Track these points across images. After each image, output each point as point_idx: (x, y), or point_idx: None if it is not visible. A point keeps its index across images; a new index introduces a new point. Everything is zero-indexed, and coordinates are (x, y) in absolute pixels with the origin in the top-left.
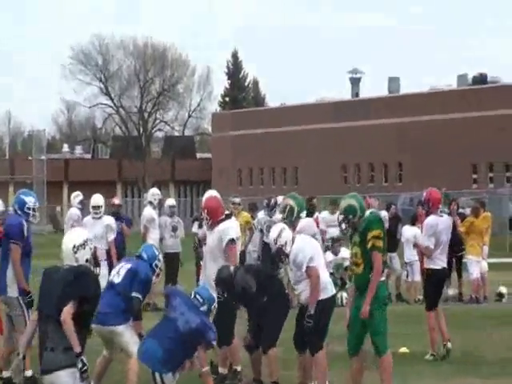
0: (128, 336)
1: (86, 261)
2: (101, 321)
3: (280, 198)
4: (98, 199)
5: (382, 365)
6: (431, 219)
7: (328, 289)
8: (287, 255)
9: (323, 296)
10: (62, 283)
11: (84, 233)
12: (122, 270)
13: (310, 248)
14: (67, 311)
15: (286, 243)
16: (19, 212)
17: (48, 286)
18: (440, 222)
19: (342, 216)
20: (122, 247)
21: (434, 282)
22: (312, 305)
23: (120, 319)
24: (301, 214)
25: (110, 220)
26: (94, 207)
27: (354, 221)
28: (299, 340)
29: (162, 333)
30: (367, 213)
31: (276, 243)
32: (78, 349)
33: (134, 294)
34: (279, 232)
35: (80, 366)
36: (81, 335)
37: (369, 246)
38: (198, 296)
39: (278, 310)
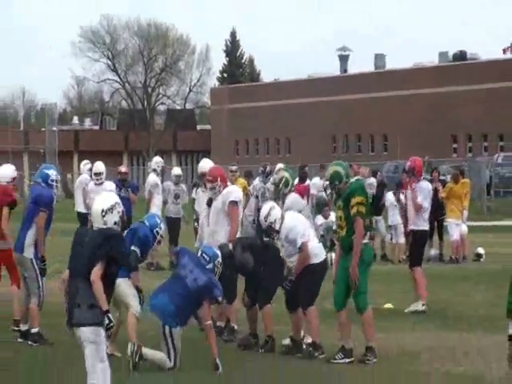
0: (126, 288)
1: (115, 223)
2: None
3: (279, 165)
4: (99, 166)
5: (365, 321)
6: (426, 184)
7: (319, 254)
8: (277, 232)
9: (316, 260)
10: (91, 245)
11: (113, 197)
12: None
13: (300, 224)
14: (96, 272)
15: (275, 221)
16: (43, 184)
17: (79, 247)
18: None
19: (329, 182)
20: (129, 212)
21: (422, 242)
22: (295, 272)
23: (119, 272)
24: (288, 189)
25: (110, 186)
26: (95, 174)
27: (339, 186)
28: (290, 301)
29: (172, 289)
30: (352, 180)
31: (266, 221)
32: (105, 307)
33: (132, 248)
34: (269, 210)
35: (106, 322)
36: (108, 294)
37: (352, 211)
38: (204, 255)
39: (274, 272)
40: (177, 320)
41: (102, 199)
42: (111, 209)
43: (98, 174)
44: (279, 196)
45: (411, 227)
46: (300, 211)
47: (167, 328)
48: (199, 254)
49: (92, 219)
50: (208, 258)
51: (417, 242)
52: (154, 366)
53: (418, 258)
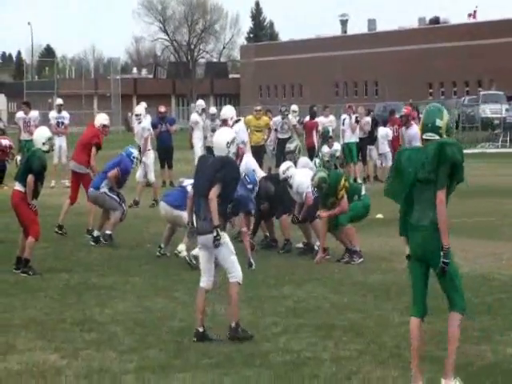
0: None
1: (234, 153)
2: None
3: (293, 106)
4: (137, 109)
5: (347, 232)
6: (415, 128)
7: None
8: (291, 186)
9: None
10: (211, 169)
11: (232, 132)
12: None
13: (306, 179)
14: (214, 192)
15: (290, 176)
16: (127, 158)
17: (201, 170)
18: None
19: (316, 186)
20: (169, 141)
21: None
22: (302, 214)
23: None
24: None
25: (145, 123)
26: (136, 115)
27: (326, 187)
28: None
29: None
30: (326, 175)
31: (284, 174)
32: (216, 222)
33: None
34: (288, 167)
35: (215, 234)
36: (221, 212)
37: (341, 193)
38: (246, 177)
39: (288, 194)
40: None
41: (224, 133)
42: (233, 141)
43: (137, 115)
44: (293, 160)
45: None
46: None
47: None
48: (243, 176)
49: (215, 149)
50: (249, 180)
51: None
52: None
53: None
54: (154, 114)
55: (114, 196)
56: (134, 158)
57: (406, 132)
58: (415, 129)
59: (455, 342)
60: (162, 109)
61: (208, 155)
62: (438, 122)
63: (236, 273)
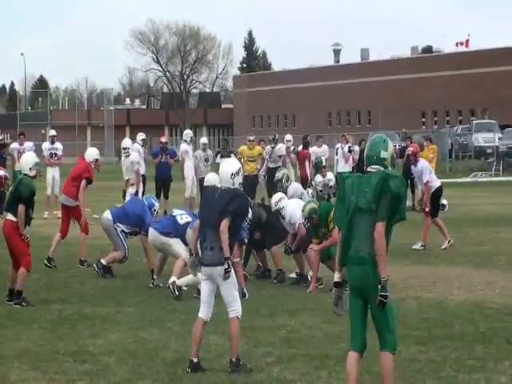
0: (176, 244)
1: (239, 184)
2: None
3: (288, 136)
4: (125, 142)
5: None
6: (423, 162)
7: None
8: (283, 217)
9: None
10: (222, 201)
11: (237, 163)
12: (184, 216)
13: (298, 210)
14: (225, 224)
15: (282, 207)
16: (148, 210)
17: (209, 201)
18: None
19: (306, 217)
20: (168, 172)
21: (439, 195)
22: (295, 245)
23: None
24: (289, 182)
25: (133, 157)
26: (123, 148)
27: (316, 218)
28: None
29: None
30: (316, 207)
31: (276, 205)
32: (227, 254)
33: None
34: (279, 199)
35: (226, 267)
36: (231, 243)
37: (331, 226)
38: None
39: (280, 224)
40: None
41: (229, 164)
42: (238, 172)
43: (125, 149)
44: (283, 188)
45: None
46: (300, 196)
47: None
48: None
49: (221, 180)
50: None
51: (437, 195)
52: (193, 287)
53: (436, 209)
54: (148, 143)
55: (123, 237)
56: (154, 210)
57: (414, 169)
58: (422, 162)
59: (390, 382)
60: (163, 139)
61: (214, 187)
62: (383, 154)
63: (237, 307)
